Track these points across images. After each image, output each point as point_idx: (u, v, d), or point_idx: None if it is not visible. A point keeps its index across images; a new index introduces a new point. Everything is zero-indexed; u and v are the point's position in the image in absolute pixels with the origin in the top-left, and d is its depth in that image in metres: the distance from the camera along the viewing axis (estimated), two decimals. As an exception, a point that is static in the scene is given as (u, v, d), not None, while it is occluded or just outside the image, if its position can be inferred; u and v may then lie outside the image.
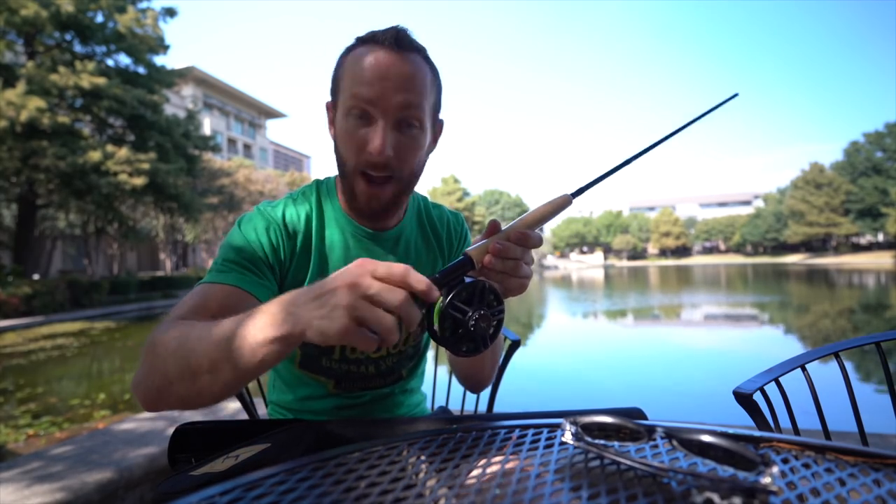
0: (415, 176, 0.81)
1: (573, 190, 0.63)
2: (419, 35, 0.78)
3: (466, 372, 0.89)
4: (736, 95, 0.71)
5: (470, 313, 0.53)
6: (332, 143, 0.84)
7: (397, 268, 0.48)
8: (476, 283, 0.55)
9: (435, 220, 0.96)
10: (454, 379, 1.38)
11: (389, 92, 0.72)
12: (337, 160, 0.81)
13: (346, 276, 0.48)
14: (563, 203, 0.62)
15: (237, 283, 0.72)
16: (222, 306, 0.68)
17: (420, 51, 0.77)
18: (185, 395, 0.58)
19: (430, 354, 1.11)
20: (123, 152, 14.39)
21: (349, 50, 0.78)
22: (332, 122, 0.83)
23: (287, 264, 0.81)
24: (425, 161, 0.83)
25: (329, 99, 0.83)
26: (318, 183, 0.90)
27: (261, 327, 0.51)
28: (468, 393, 1.33)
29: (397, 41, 0.73)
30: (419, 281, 0.48)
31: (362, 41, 0.76)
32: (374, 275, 0.48)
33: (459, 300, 0.53)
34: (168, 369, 0.57)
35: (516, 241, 0.60)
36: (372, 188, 0.77)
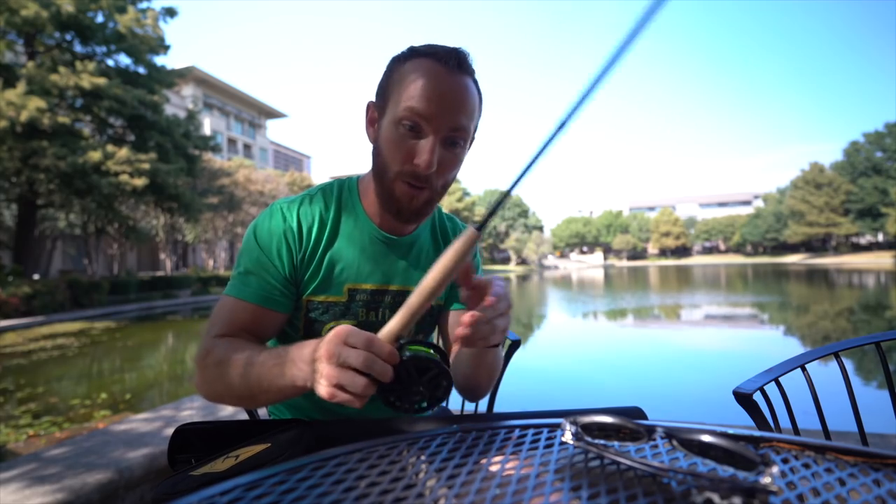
0: (446, 187, 0.83)
1: (478, 224, 0.58)
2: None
3: (464, 382, 0.88)
4: None
5: (415, 385, 0.59)
6: (369, 145, 0.85)
7: (363, 336, 0.56)
8: (441, 369, 0.59)
9: (448, 231, 0.98)
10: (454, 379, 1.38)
11: (445, 112, 0.74)
12: (376, 162, 0.82)
13: (325, 349, 0.58)
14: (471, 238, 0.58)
15: (260, 302, 0.81)
16: (252, 323, 0.81)
17: (472, 74, 0.80)
18: (244, 404, 0.77)
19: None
20: (124, 152, 14.38)
21: (405, 59, 0.79)
22: (371, 123, 0.84)
23: (301, 266, 0.84)
24: (456, 174, 0.85)
25: (373, 99, 0.84)
26: (339, 183, 0.92)
27: (286, 375, 0.64)
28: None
29: (459, 63, 0.76)
30: (381, 350, 0.56)
31: (421, 54, 0.78)
32: (346, 342, 0.56)
33: (414, 365, 0.58)
34: (230, 391, 0.73)
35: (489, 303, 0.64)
36: (412, 190, 0.79)
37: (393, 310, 0.86)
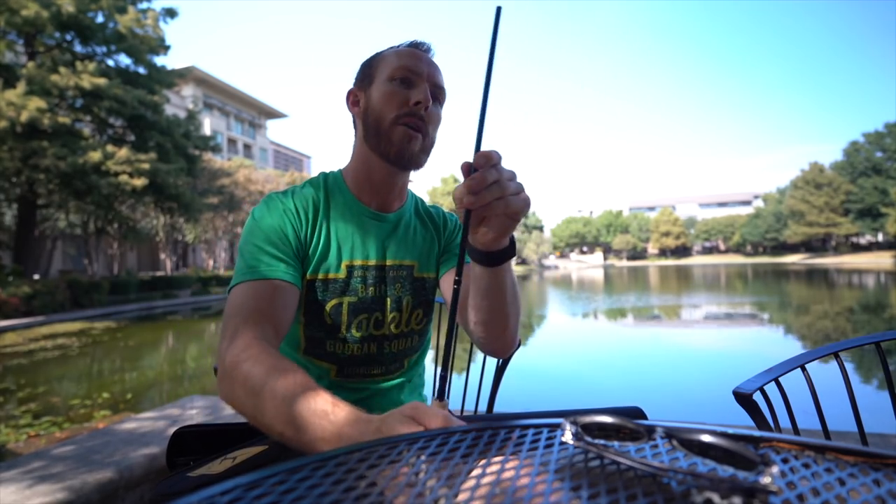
0: (432, 144, 0.90)
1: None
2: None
3: (489, 329, 0.82)
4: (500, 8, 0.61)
5: None
6: (353, 123, 0.95)
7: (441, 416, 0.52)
8: None
9: (431, 212, 1.06)
10: (454, 378, 1.38)
11: (431, 71, 0.87)
12: (367, 124, 0.88)
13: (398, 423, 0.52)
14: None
15: (275, 276, 0.79)
16: (269, 303, 0.76)
17: None
18: (264, 429, 0.63)
19: (430, 355, 1.12)
20: (124, 152, 14.38)
21: (382, 52, 0.92)
22: (356, 104, 0.92)
23: (304, 244, 0.87)
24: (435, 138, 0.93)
25: (352, 86, 0.94)
26: (324, 175, 0.97)
27: (322, 440, 0.54)
28: (468, 392, 1.33)
29: (429, 49, 0.92)
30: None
31: (397, 47, 0.92)
32: (422, 420, 0.52)
33: None
34: (247, 413, 0.64)
35: (480, 165, 0.59)
36: (410, 131, 0.85)
37: (390, 284, 0.91)
